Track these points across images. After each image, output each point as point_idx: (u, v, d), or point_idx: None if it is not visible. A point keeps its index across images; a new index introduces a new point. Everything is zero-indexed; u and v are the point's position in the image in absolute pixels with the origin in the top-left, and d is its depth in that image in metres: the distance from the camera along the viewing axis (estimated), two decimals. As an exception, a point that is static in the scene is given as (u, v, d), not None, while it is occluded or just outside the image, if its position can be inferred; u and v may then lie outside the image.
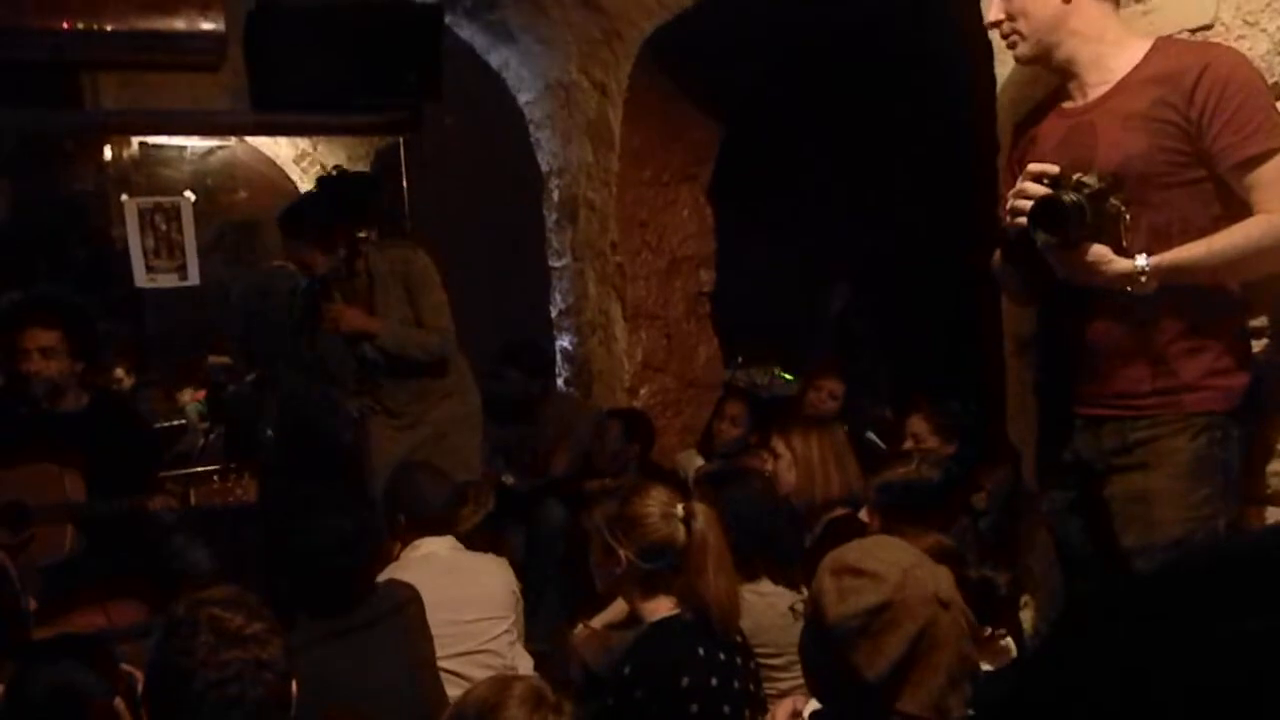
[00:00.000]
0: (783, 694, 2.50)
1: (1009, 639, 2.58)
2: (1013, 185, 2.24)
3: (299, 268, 4.20)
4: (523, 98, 5.58)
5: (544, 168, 5.59)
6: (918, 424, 3.99)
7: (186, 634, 1.69)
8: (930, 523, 2.82)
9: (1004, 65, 2.69)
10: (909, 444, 3.93)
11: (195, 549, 3.65)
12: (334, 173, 4.70)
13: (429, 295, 4.11)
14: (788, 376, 5.65)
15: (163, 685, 1.70)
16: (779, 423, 3.66)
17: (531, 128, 5.61)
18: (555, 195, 5.54)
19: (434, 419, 4.19)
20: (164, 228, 6.28)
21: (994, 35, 2.48)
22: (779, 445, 3.45)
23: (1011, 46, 2.33)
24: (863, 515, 3.36)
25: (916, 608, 1.62)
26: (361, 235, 4.15)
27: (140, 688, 1.99)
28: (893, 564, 1.65)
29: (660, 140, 5.09)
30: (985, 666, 2.20)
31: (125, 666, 2.08)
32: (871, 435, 4.48)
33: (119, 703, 2.04)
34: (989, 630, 2.45)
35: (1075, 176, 2.14)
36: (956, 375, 4.51)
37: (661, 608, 2.42)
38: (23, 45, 4.48)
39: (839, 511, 3.37)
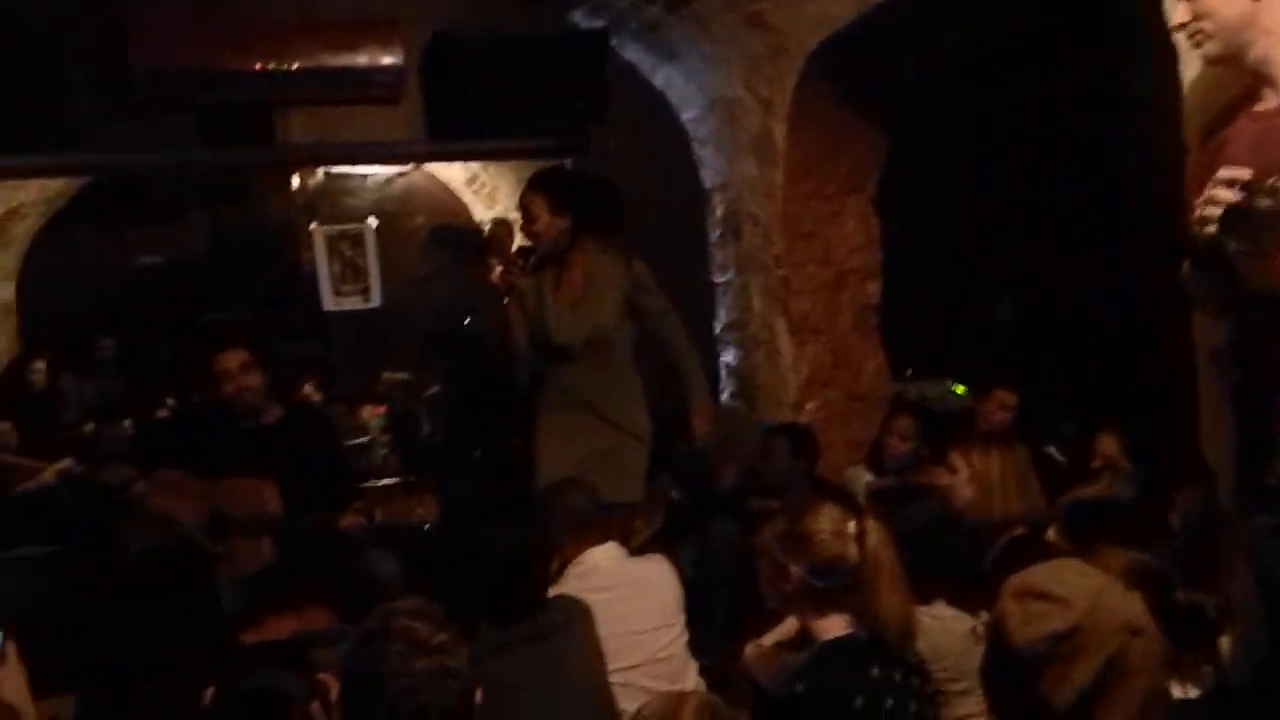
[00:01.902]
0: (961, 719, 2.45)
1: (1209, 667, 2.45)
2: (1201, 192, 2.14)
3: (524, 216, 4.13)
4: (686, 115, 5.64)
5: (707, 184, 5.62)
6: (1108, 443, 3.82)
7: (379, 643, 1.78)
8: (1124, 544, 2.70)
9: (1189, 67, 2.58)
10: (1098, 463, 3.76)
11: (383, 560, 3.81)
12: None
13: (656, 294, 4.21)
14: (960, 390, 5.51)
15: (357, 692, 1.79)
16: (958, 437, 3.55)
17: (695, 145, 5.66)
18: (718, 211, 5.56)
19: (613, 432, 4.21)
20: (349, 253, 6.62)
21: (1179, 37, 2.38)
22: (957, 460, 3.35)
23: (1197, 46, 2.23)
24: (1050, 535, 3.24)
25: (1105, 635, 1.56)
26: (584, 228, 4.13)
27: (335, 694, 2.11)
28: (1080, 589, 1.60)
29: (825, 153, 5.06)
30: (1191, 693, 2.10)
31: (321, 675, 2.20)
32: (1051, 450, 4.32)
33: (316, 707, 2.16)
34: (1190, 658, 2.32)
35: (1269, 182, 2.02)
36: (1138, 390, 4.33)
37: (834, 626, 2.40)
38: (219, 87, 4.79)
39: (1018, 531, 3.26)
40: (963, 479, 3.32)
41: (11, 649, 2.32)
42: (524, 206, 4.09)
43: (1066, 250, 5.86)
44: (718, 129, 5.41)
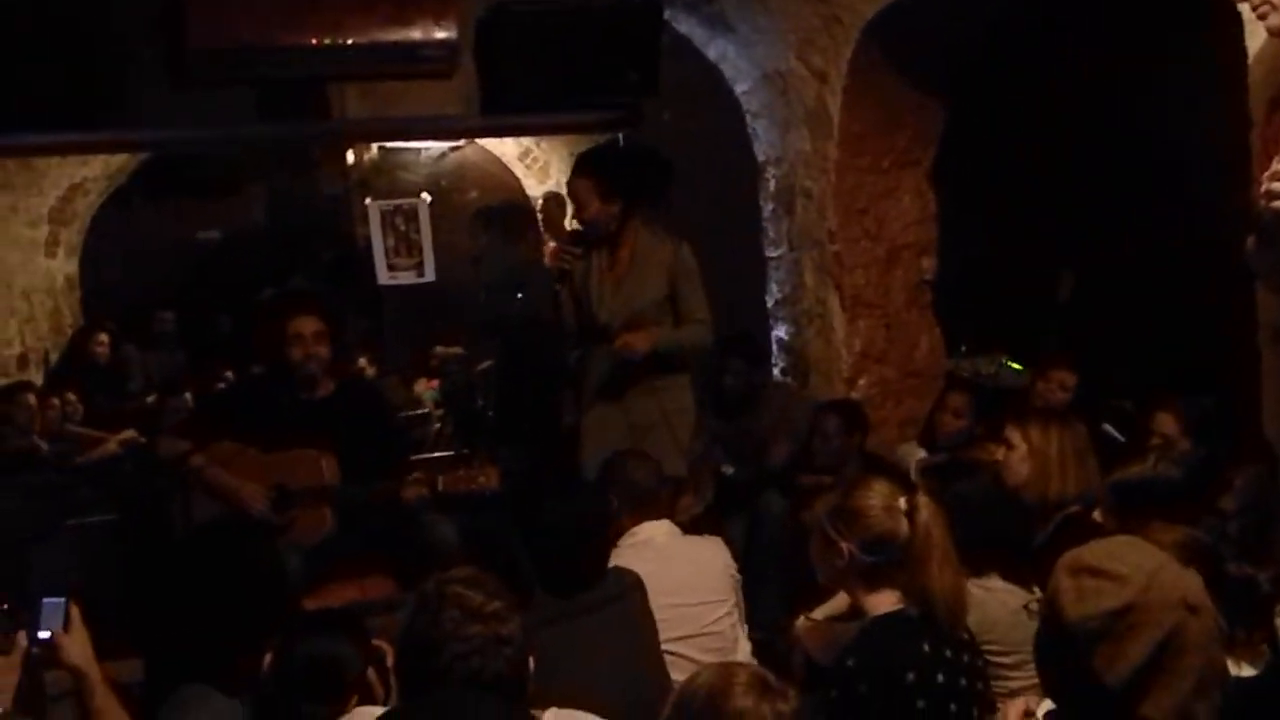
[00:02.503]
0: (1013, 694, 2.43)
1: (1264, 645, 2.41)
2: (1268, 165, 2.10)
3: (574, 203, 4.14)
4: (740, 88, 5.60)
5: (760, 158, 5.59)
6: (1166, 422, 3.74)
7: (434, 610, 1.81)
8: (1172, 522, 2.66)
9: (1255, 38, 2.51)
10: (1156, 442, 3.69)
11: (440, 528, 3.86)
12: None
13: (697, 288, 4.14)
14: (1016, 366, 5.44)
15: (413, 657, 1.82)
16: (1015, 413, 3.51)
17: (748, 118, 5.62)
18: (772, 185, 5.53)
19: (655, 409, 4.24)
20: (403, 228, 6.66)
21: (1244, 8, 2.32)
22: (1015, 436, 3.31)
23: (1262, 18, 2.19)
24: (1096, 515, 3.20)
25: (1161, 612, 1.55)
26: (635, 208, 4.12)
27: (390, 660, 2.16)
28: (1136, 566, 1.59)
29: (881, 126, 5.01)
30: (1246, 671, 2.08)
31: (376, 641, 2.25)
32: (1109, 428, 4.26)
33: (371, 673, 2.21)
34: (1245, 634, 2.29)
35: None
36: (1198, 367, 4.25)
37: (885, 602, 2.40)
38: (276, 63, 4.83)
39: (1073, 509, 3.22)
40: (1019, 455, 3.28)
41: (75, 613, 2.39)
42: (573, 193, 4.12)
43: (1126, 224, 5.76)
44: (771, 102, 5.37)
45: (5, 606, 2.27)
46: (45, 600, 2.36)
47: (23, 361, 7.50)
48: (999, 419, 4.41)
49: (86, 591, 2.49)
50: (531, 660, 1.87)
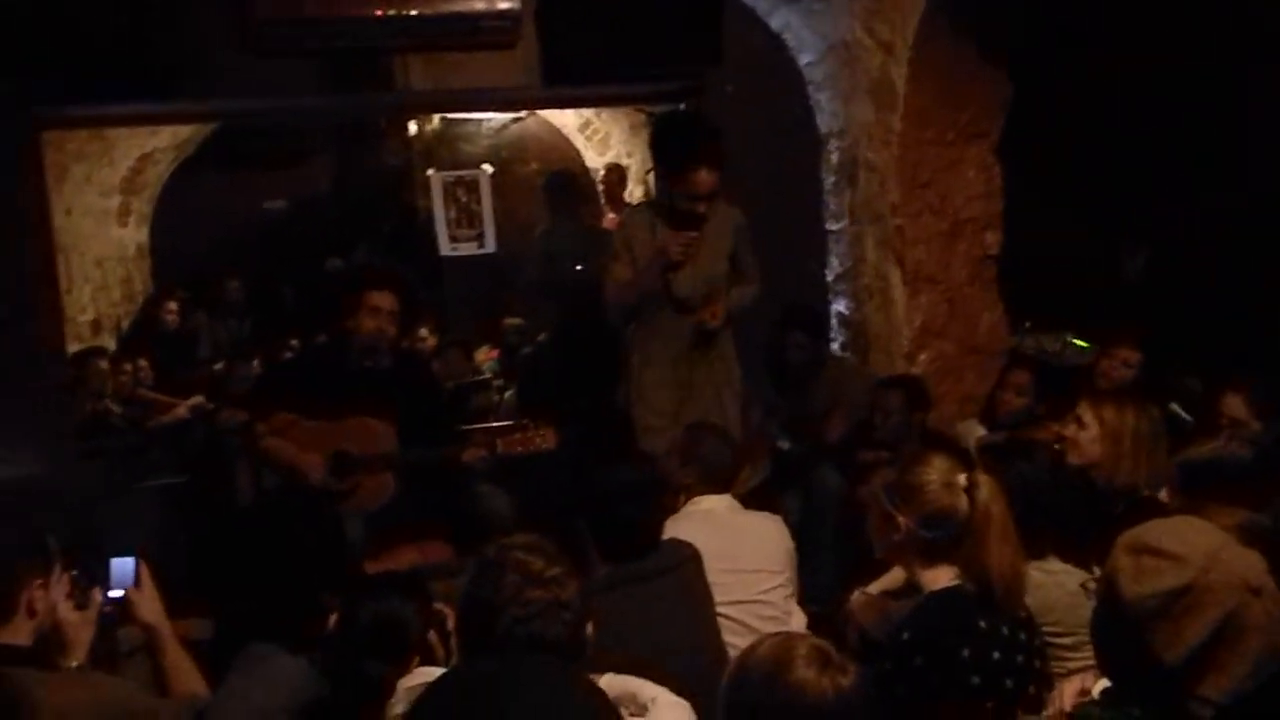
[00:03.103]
0: (1071, 674, 2.42)
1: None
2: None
3: (699, 192, 4.04)
4: (803, 59, 5.55)
5: (823, 130, 5.54)
6: (1234, 404, 3.66)
7: (495, 574, 1.84)
8: (1240, 504, 2.61)
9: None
10: (1224, 422, 3.62)
11: (497, 496, 3.92)
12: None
13: (752, 250, 4.28)
14: (1081, 344, 5.36)
15: (473, 620, 1.86)
16: (1090, 392, 3.47)
17: (811, 89, 5.57)
18: (834, 157, 5.48)
19: (710, 377, 4.28)
20: (464, 199, 6.72)
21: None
22: (1088, 415, 3.27)
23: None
24: (1162, 495, 3.15)
25: (1221, 593, 1.53)
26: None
27: (450, 623, 2.20)
28: (1196, 547, 1.57)
29: (947, 98, 4.92)
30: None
31: (437, 605, 2.30)
32: (1175, 407, 4.18)
33: (432, 635, 2.26)
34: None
35: None
36: (1269, 347, 4.15)
37: (942, 577, 2.40)
38: (341, 34, 4.89)
39: (1144, 493, 3.18)
40: (1091, 435, 3.24)
41: (145, 572, 2.47)
42: (701, 183, 3.99)
43: (1196, 200, 5.62)
44: (835, 73, 5.31)
45: (81, 565, 2.35)
46: (115, 559, 2.44)
47: (96, 328, 7.69)
48: (1062, 397, 4.35)
49: (157, 552, 2.57)
50: (590, 625, 1.90)
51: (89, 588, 2.33)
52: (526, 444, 3.71)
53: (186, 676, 2.41)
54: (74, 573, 2.30)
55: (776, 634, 1.83)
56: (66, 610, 2.25)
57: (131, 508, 4.70)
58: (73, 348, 6.26)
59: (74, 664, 2.24)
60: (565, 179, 6.32)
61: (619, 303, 4.15)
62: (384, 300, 3.83)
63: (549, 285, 6.60)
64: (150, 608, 2.46)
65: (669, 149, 4.12)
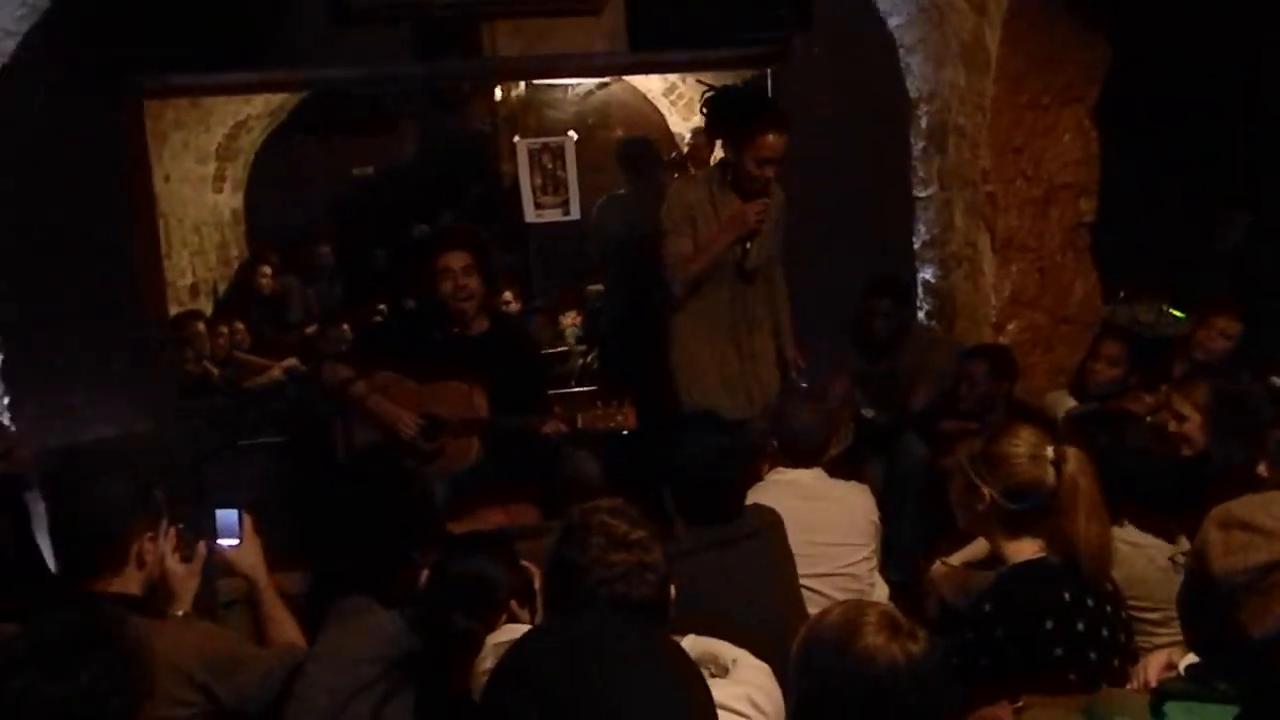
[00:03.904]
0: (1157, 650, 2.39)
1: None
2: None
3: (768, 157, 4.07)
4: (893, 21, 5.45)
5: (912, 94, 5.44)
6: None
7: (581, 536, 1.89)
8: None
9: None
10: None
11: (586, 459, 3.97)
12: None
13: (783, 231, 4.33)
14: (1178, 314, 5.22)
15: (559, 580, 1.91)
16: (1178, 383, 3.41)
17: (901, 52, 5.47)
18: (923, 122, 5.39)
19: (763, 345, 4.32)
20: (550, 166, 6.76)
21: None
22: (1185, 407, 3.24)
23: None
24: (1261, 469, 3.08)
25: (1313, 569, 1.51)
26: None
27: (537, 583, 2.25)
28: (1289, 522, 1.55)
29: (1042, 61, 4.80)
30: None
31: (524, 563, 2.35)
32: (1277, 380, 4.07)
33: (515, 602, 2.31)
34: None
35: None
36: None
37: (1026, 549, 2.38)
38: (428, 2, 4.95)
39: (1236, 463, 3.11)
40: (1195, 425, 3.21)
41: (248, 523, 2.57)
42: (770, 150, 4.01)
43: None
44: (926, 35, 5.22)
45: (187, 519, 2.45)
46: (219, 511, 2.55)
47: (194, 291, 7.94)
48: (1155, 368, 4.26)
49: (255, 508, 2.67)
50: (673, 588, 1.93)
51: (194, 540, 2.43)
52: (607, 420, 3.76)
53: (284, 627, 2.51)
54: (180, 526, 2.40)
55: (847, 601, 1.85)
56: (173, 562, 2.35)
57: (232, 465, 4.88)
58: (172, 311, 6.47)
59: (180, 613, 2.35)
60: (640, 145, 6.29)
61: (684, 275, 4.12)
62: (455, 259, 3.89)
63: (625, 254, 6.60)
64: (251, 557, 2.56)
65: (737, 115, 4.11)
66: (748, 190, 4.09)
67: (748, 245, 4.13)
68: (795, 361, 4.51)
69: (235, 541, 2.54)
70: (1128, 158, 5.15)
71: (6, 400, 4.27)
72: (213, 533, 2.53)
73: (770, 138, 4.00)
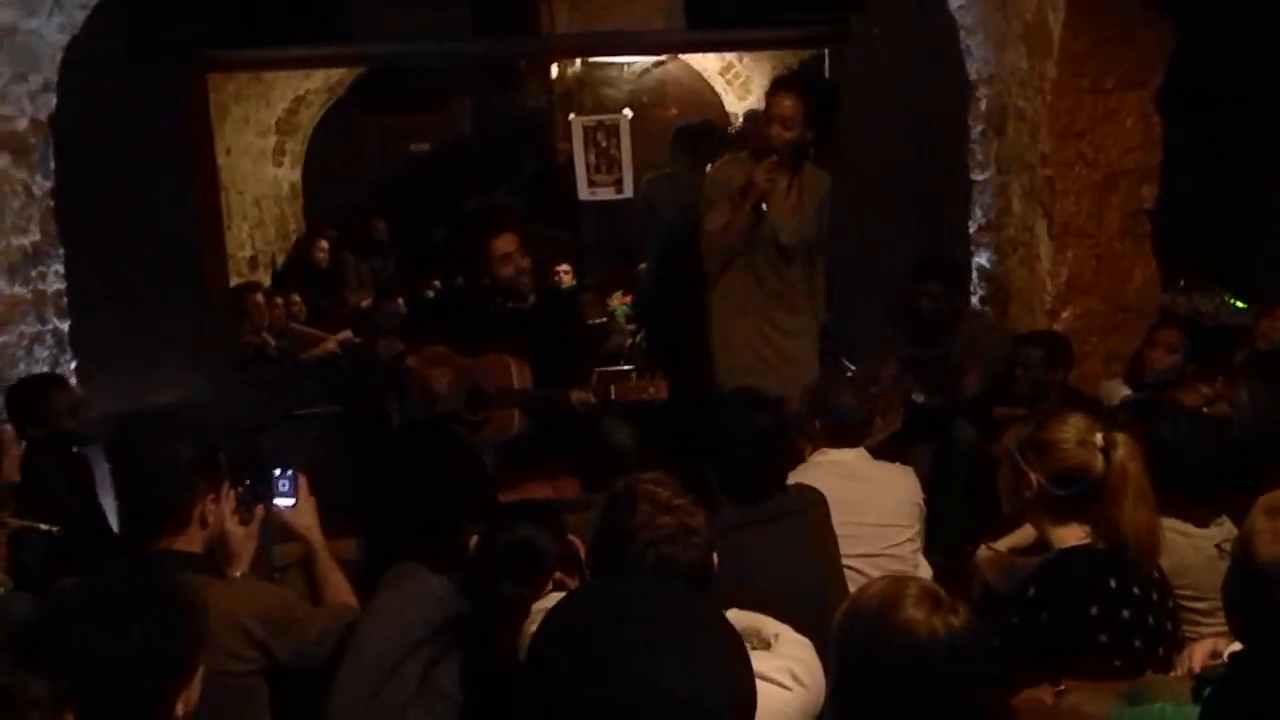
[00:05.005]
0: (1203, 639, 2.38)
1: None
2: None
3: (779, 120, 4.13)
4: (954, 2, 5.39)
5: (972, 76, 5.38)
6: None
7: (627, 502, 1.92)
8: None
9: None
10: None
11: (620, 435, 4.01)
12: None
13: (826, 218, 4.34)
14: (1239, 304, 5.13)
15: (606, 546, 1.94)
16: (1238, 370, 3.36)
17: (962, 34, 5.41)
18: (982, 105, 5.33)
19: (789, 327, 4.32)
20: (604, 144, 6.78)
21: None
22: (1243, 393, 3.20)
23: None
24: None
25: (1364, 558, 1.50)
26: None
27: (583, 555, 2.29)
28: (1337, 509, 1.53)
29: (1106, 44, 4.73)
30: None
31: (570, 536, 2.39)
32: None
33: (560, 573, 2.35)
34: None
35: None
36: None
37: (1072, 535, 2.37)
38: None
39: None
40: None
41: (304, 484, 2.63)
42: (783, 112, 4.06)
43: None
44: (987, 16, 5.15)
45: (246, 483, 2.52)
46: (275, 471, 2.61)
47: (253, 263, 8.08)
48: (1213, 358, 4.20)
49: (312, 474, 2.73)
50: (715, 558, 1.96)
51: (253, 504, 2.50)
52: (639, 391, 3.79)
53: (339, 589, 2.57)
54: (240, 489, 2.46)
55: (888, 575, 1.85)
56: (233, 524, 2.42)
57: (288, 434, 4.98)
58: (232, 282, 6.59)
59: (238, 574, 2.42)
60: (695, 129, 6.29)
61: (719, 248, 4.18)
62: (508, 244, 3.96)
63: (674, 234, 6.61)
64: (308, 518, 2.62)
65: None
66: (763, 154, 4.12)
67: (763, 207, 4.13)
68: None
69: (291, 502, 2.60)
70: (1190, 144, 5.06)
71: (74, 365, 4.39)
72: (269, 495, 2.59)
73: (782, 98, 4.08)
